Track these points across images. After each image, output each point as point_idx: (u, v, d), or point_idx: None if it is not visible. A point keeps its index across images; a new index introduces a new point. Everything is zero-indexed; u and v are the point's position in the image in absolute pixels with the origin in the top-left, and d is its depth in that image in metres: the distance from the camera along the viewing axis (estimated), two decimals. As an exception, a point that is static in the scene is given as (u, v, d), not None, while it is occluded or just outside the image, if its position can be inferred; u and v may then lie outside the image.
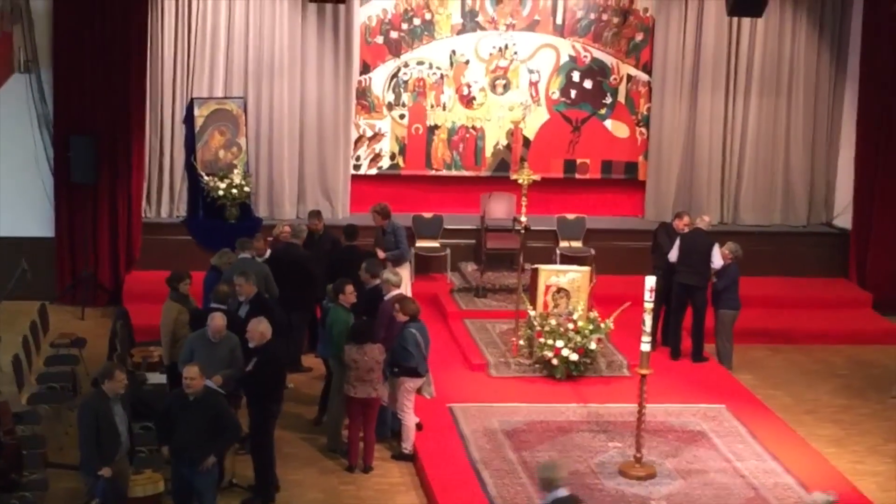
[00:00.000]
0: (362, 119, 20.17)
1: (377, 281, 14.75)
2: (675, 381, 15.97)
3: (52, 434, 13.52)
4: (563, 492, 10.06)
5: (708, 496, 13.06)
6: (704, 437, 14.38)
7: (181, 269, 14.55)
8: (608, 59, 20.52)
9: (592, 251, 19.32)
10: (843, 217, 20.77)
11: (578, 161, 20.66)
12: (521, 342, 16.34)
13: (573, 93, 20.49)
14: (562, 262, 18.49)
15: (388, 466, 13.77)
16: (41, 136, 18.63)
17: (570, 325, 15.91)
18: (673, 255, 16.68)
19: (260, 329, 12.70)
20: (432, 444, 13.86)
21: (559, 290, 16.29)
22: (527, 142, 20.31)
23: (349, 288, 13.95)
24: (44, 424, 13.47)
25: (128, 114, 18.56)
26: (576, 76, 20.46)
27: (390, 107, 20.22)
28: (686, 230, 16.94)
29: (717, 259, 16.53)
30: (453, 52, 20.19)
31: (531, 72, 20.36)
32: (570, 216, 19.94)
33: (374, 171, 20.33)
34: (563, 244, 19.61)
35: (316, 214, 17.52)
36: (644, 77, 20.62)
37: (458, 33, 20.16)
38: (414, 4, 20.02)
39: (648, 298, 13.12)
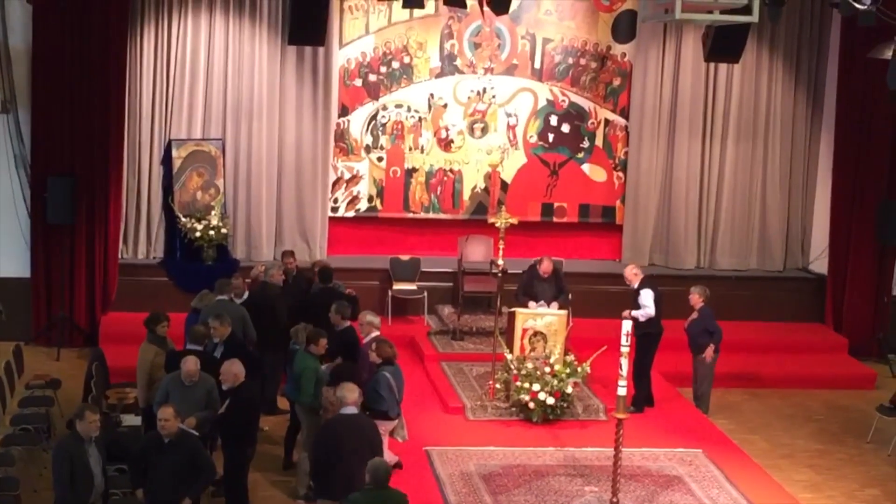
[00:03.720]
0: (340, 161, 20.18)
1: (347, 323, 14.70)
2: (652, 425, 15.95)
3: (26, 476, 13.39)
4: (351, 409, 11.90)
5: (684, 541, 13.07)
6: (681, 482, 14.33)
7: (157, 310, 14.50)
8: (586, 104, 20.61)
9: (570, 295, 19.29)
10: (820, 262, 20.84)
11: (556, 205, 20.70)
12: (498, 385, 16.29)
13: (551, 136, 20.56)
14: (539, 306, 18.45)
15: (363, 510, 13.67)
16: (18, 176, 18.58)
17: (547, 369, 15.90)
18: (652, 309, 16.40)
19: (233, 370, 12.63)
20: (408, 487, 13.61)
21: (536, 333, 16.28)
22: (504, 185, 20.39)
23: (322, 342, 13.78)
24: (18, 466, 13.34)
25: (105, 155, 18.52)
26: (553, 120, 20.54)
27: (368, 149, 20.25)
28: (546, 276, 17.32)
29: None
30: (431, 95, 20.25)
31: (509, 115, 20.43)
32: (548, 259, 19.91)
33: (351, 214, 20.33)
34: (541, 287, 19.60)
35: (289, 254, 17.51)
36: (622, 121, 20.71)
37: (437, 77, 20.23)
38: (393, 48, 20.09)
39: (625, 342, 13.11)
